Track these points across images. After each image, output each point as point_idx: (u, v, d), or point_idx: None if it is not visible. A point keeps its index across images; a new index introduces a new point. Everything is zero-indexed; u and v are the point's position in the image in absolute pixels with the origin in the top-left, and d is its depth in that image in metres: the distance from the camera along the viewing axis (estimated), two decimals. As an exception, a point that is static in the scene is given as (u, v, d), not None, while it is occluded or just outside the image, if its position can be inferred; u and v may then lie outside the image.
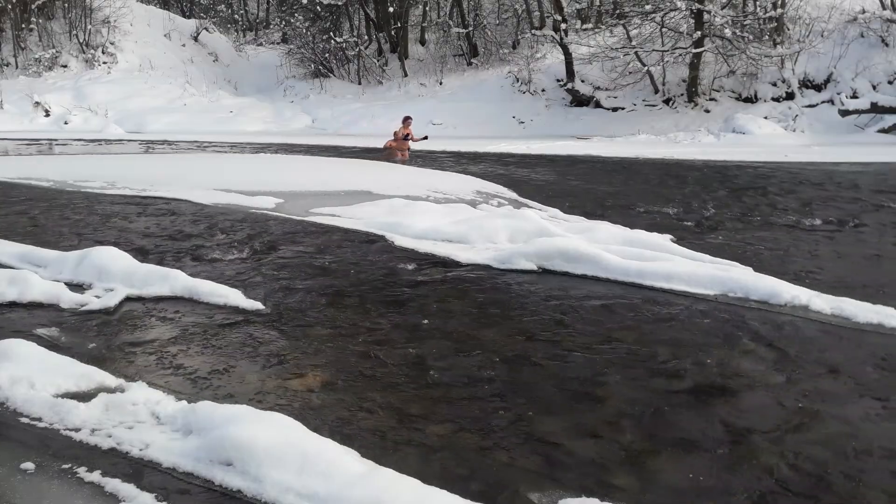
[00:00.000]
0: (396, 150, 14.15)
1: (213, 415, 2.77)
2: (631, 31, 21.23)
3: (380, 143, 14.83)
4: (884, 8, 19.37)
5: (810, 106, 18.70)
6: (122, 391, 3.13)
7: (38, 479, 2.52)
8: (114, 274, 4.82)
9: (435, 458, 2.69)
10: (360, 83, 28.17)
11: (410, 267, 5.34)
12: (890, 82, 18.15)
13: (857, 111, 17.67)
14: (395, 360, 3.60)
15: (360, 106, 25.42)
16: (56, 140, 18.81)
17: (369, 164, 12.33)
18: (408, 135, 14.33)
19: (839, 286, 4.81)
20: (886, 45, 18.76)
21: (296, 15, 29.96)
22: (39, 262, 5.26)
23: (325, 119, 24.81)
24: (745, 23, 19.51)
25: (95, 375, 3.29)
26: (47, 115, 23.59)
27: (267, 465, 2.49)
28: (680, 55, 19.91)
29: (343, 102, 26.11)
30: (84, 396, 3.09)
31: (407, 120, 14.59)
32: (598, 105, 21.82)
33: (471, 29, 26.98)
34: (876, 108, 17.42)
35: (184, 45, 31.25)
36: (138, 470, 2.58)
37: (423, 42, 29.82)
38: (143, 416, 2.93)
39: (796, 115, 18.28)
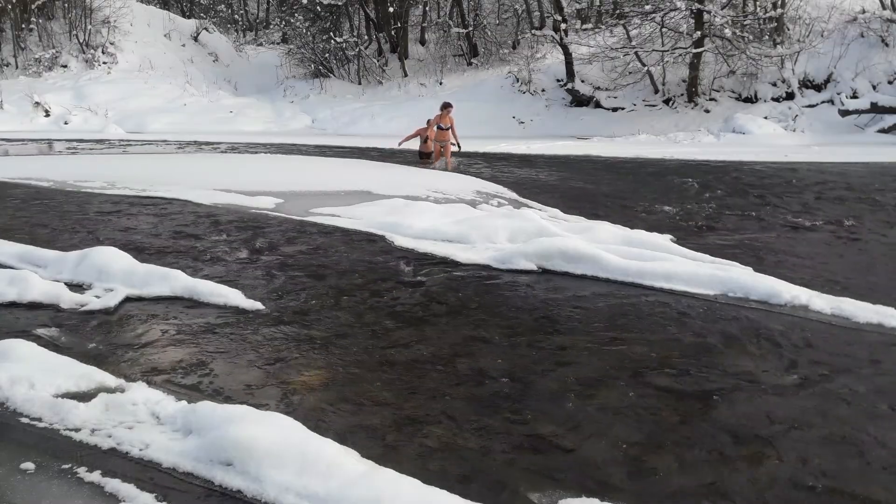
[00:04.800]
0: (436, 144, 12.10)
1: (213, 415, 2.77)
2: (631, 31, 21.23)
3: (382, 143, 13.80)
4: (884, 8, 19.37)
5: (810, 106, 18.70)
6: (122, 391, 3.13)
7: (38, 479, 2.52)
8: (114, 274, 4.82)
9: (435, 458, 2.69)
10: (360, 83, 28.16)
11: (410, 267, 5.35)
12: (890, 82, 18.15)
13: (857, 111, 17.67)
14: (394, 360, 3.60)
15: (360, 106, 25.41)
16: (56, 139, 18.81)
17: (369, 165, 12.32)
18: (445, 126, 11.91)
19: (839, 286, 4.81)
20: (886, 45, 18.76)
21: (296, 15, 29.95)
22: (39, 262, 5.26)
23: (324, 119, 24.79)
24: (745, 23, 19.50)
25: (95, 375, 3.29)
26: (47, 115, 23.57)
27: (267, 465, 2.49)
28: (680, 55, 19.91)
29: (343, 102, 26.10)
30: (84, 396, 3.09)
31: (447, 107, 11.92)
32: (598, 105, 21.82)
33: (471, 29, 26.98)
34: (876, 108, 17.41)
35: (184, 45, 31.24)
36: (138, 470, 2.58)
37: (423, 42, 29.81)
38: (143, 416, 2.93)
39: (796, 115, 18.28)
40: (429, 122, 12.70)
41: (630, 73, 20.92)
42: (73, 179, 9.83)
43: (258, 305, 4.40)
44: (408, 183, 9.23)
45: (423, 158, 12.80)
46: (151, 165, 12.67)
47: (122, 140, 19.35)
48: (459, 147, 12.38)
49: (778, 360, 3.61)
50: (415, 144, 13.17)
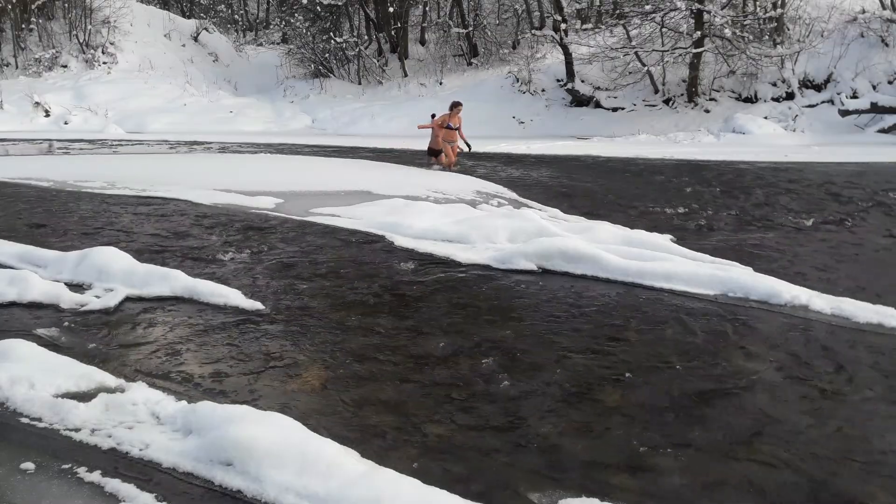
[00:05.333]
0: (445, 144, 11.61)
1: (213, 415, 2.77)
2: (631, 31, 21.22)
3: (386, 143, 13.38)
4: (884, 8, 19.36)
5: (810, 106, 18.69)
6: (122, 391, 3.13)
7: (38, 479, 2.53)
8: (114, 274, 4.83)
9: (435, 458, 2.69)
10: (360, 83, 28.17)
11: (410, 267, 5.35)
12: (890, 82, 18.15)
13: (857, 111, 17.66)
14: (395, 360, 3.60)
15: (360, 106, 25.42)
16: (56, 139, 18.81)
17: (369, 165, 12.32)
18: (455, 125, 11.55)
19: (839, 286, 4.81)
20: (886, 45, 18.75)
21: (296, 15, 29.95)
22: (39, 262, 5.26)
23: (324, 119, 24.80)
24: (745, 23, 19.50)
25: (95, 375, 3.29)
26: (47, 115, 23.58)
27: (267, 465, 2.50)
28: (680, 55, 19.90)
29: (343, 102, 26.10)
30: (84, 396, 3.09)
31: (457, 106, 11.59)
32: (598, 105, 21.81)
33: (471, 29, 26.98)
34: (876, 108, 17.40)
35: (184, 46, 31.24)
36: (138, 470, 2.58)
37: (423, 42, 29.81)
38: (143, 416, 2.93)
39: (796, 115, 18.27)
40: (445, 116, 12.14)
41: (630, 73, 20.92)
42: (73, 179, 9.83)
43: (258, 305, 4.40)
44: (408, 183, 9.23)
45: (430, 155, 12.44)
46: (151, 165, 12.67)
47: (116, 140, 19.34)
48: (469, 148, 12.19)
49: (778, 361, 3.61)
50: (423, 142, 12.82)
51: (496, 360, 3.61)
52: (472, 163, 12.99)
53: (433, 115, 12.57)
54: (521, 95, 23.35)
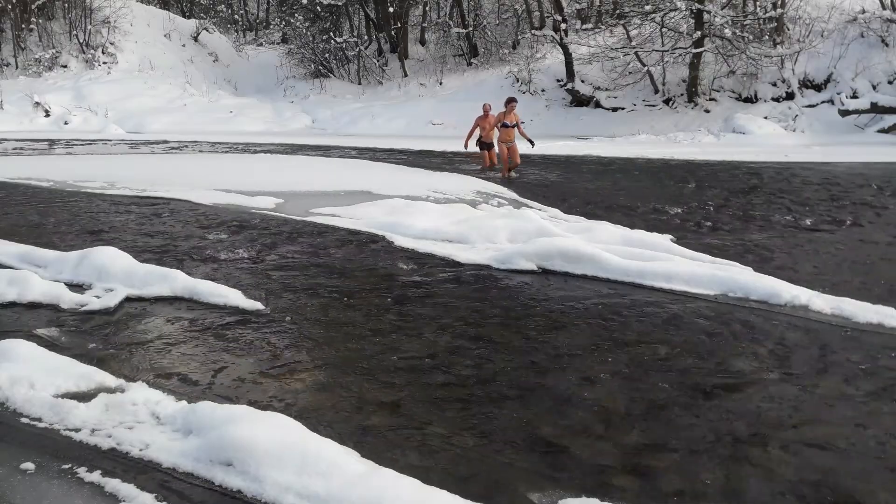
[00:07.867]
0: (502, 145, 11.11)
1: (213, 415, 2.77)
2: (631, 31, 21.22)
3: (386, 143, 13.40)
4: (884, 8, 19.36)
5: (810, 106, 18.68)
6: (122, 391, 3.13)
7: (38, 479, 2.53)
8: (114, 274, 4.83)
9: (435, 458, 2.69)
10: (360, 83, 28.16)
11: (410, 267, 5.35)
12: (890, 82, 18.13)
13: (857, 111, 17.64)
14: (394, 359, 3.60)
15: (360, 106, 25.40)
16: (56, 139, 18.80)
17: (369, 165, 12.32)
18: (509, 122, 11.08)
19: (839, 286, 4.81)
20: (886, 45, 18.74)
21: (296, 15, 29.94)
22: (39, 262, 5.26)
23: (324, 119, 24.78)
24: (745, 23, 19.49)
25: (95, 375, 3.29)
26: (47, 115, 23.57)
27: (267, 465, 2.50)
28: (680, 55, 19.89)
29: (343, 102, 26.08)
30: (84, 396, 3.10)
31: (511, 102, 11.26)
32: (598, 105, 21.80)
33: (471, 29, 26.97)
34: (876, 108, 17.38)
35: (184, 46, 31.23)
36: (138, 470, 2.58)
37: (423, 42, 29.80)
38: (143, 416, 2.93)
39: (796, 115, 18.26)
40: (485, 120, 11.99)
41: (630, 73, 20.91)
42: (73, 179, 9.83)
43: (258, 305, 4.40)
44: (408, 183, 9.23)
45: (483, 149, 12.28)
46: (151, 165, 12.67)
47: (117, 140, 19.34)
48: (533, 144, 12.01)
49: (778, 360, 3.61)
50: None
51: (496, 360, 3.60)
52: (472, 163, 12.99)
53: (485, 105, 12.20)
54: (520, 95, 23.30)
